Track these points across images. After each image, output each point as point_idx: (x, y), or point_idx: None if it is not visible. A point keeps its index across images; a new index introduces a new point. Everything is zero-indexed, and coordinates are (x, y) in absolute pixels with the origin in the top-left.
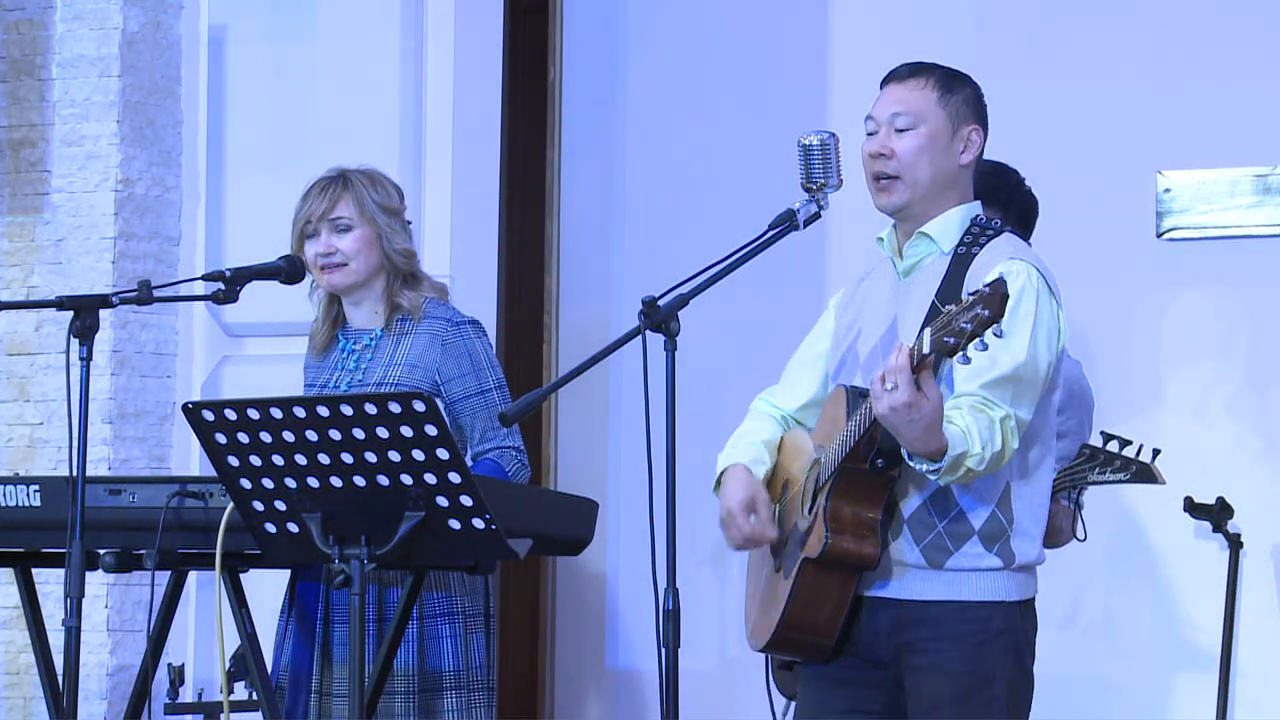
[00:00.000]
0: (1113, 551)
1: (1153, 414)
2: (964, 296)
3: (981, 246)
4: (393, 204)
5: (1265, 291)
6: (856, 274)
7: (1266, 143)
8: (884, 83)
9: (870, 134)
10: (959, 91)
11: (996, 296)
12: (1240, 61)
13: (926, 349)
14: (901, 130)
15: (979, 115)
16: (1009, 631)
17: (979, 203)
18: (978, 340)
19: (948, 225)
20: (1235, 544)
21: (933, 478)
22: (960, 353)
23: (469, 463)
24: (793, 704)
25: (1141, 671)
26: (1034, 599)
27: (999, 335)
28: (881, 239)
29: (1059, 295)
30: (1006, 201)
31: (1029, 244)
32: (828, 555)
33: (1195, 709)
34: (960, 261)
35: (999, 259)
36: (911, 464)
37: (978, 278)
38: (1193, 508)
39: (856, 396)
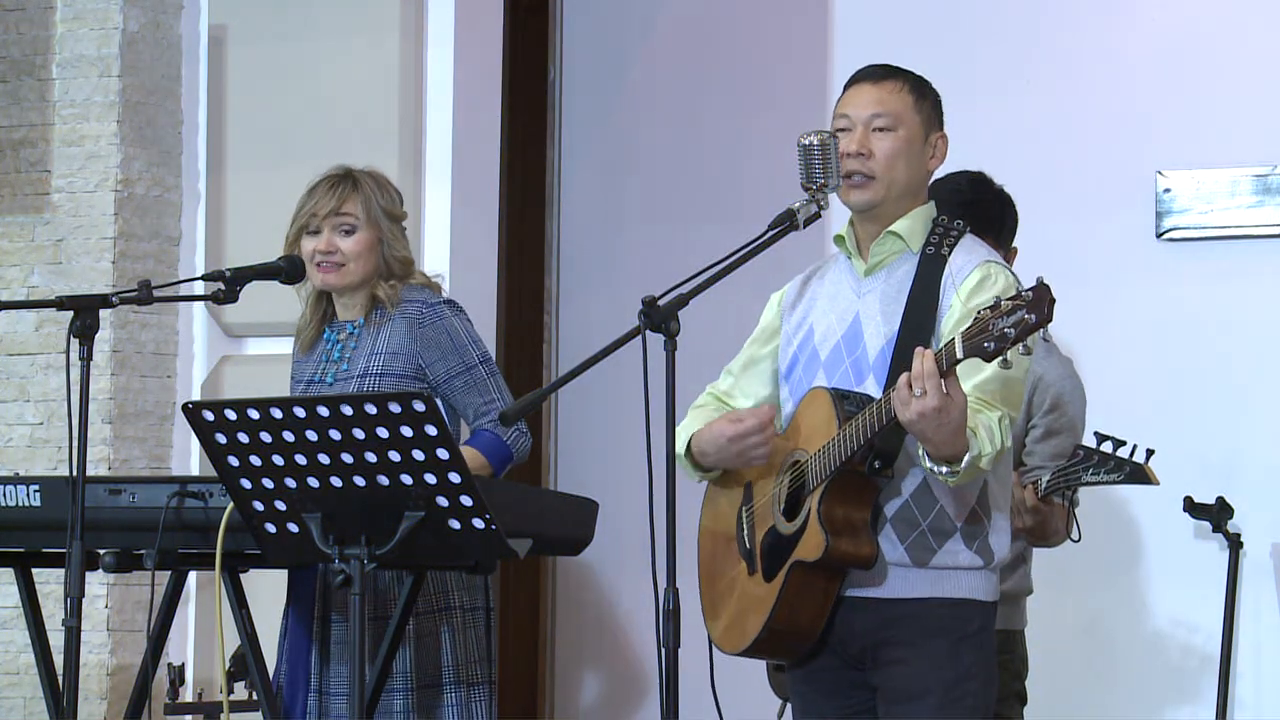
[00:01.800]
0: (1114, 552)
1: (1152, 414)
2: (1000, 301)
3: (951, 247)
4: (396, 209)
5: (1265, 291)
6: (801, 273)
7: (1266, 143)
8: (853, 81)
9: (843, 130)
10: (929, 97)
11: (1042, 301)
12: (1240, 61)
13: (960, 354)
14: (881, 130)
15: (942, 122)
16: (985, 631)
17: (934, 203)
18: (1020, 345)
19: (915, 225)
20: (1235, 544)
21: (950, 481)
22: (1001, 357)
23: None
24: (787, 706)
25: (1141, 671)
26: (998, 603)
27: (1046, 340)
28: (841, 236)
29: None
30: (1002, 214)
31: (1016, 246)
32: (829, 558)
33: (1195, 709)
34: (931, 261)
35: (974, 260)
36: (930, 466)
37: (955, 277)
38: (1193, 508)
39: (841, 399)
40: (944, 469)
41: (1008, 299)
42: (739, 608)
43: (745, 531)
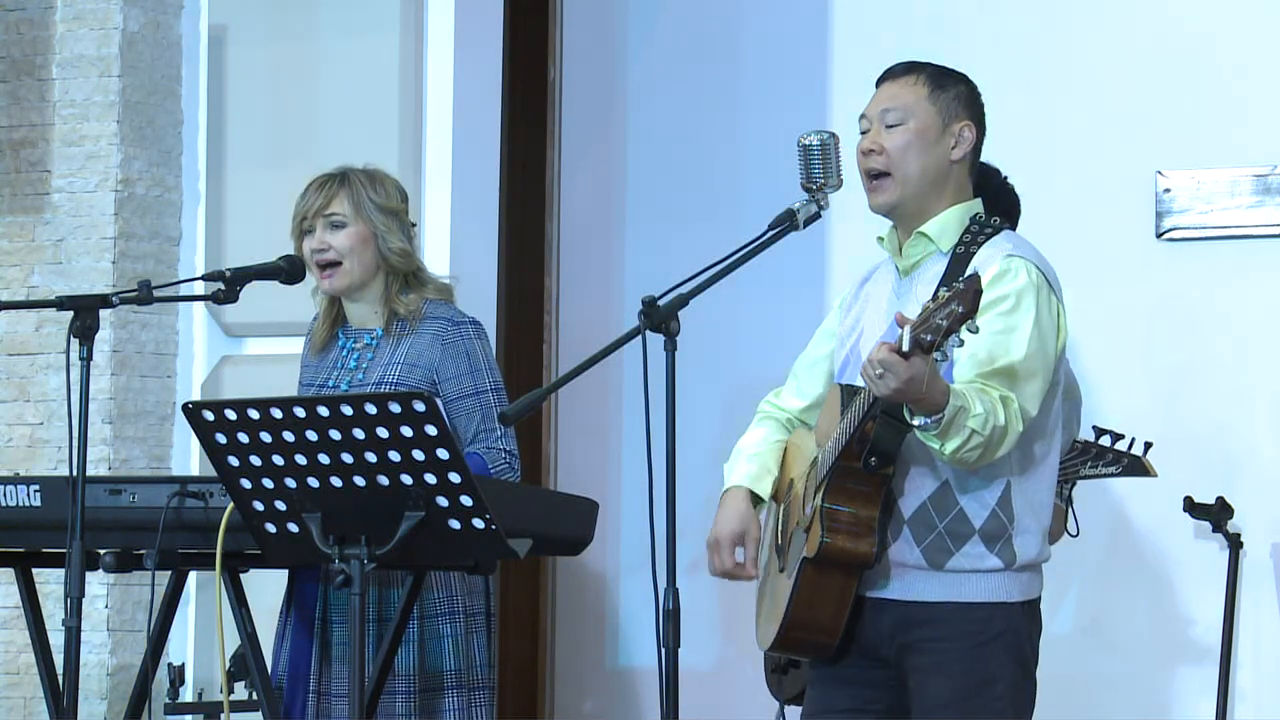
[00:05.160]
0: (1113, 551)
1: (1152, 413)
2: (940, 292)
3: (979, 245)
4: (392, 204)
5: (1265, 291)
6: (860, 274)
7: (1266, 143)
8: (879, 82)
9: (863, 132)
10: (951, 88)
11: (970, 292)
12: (1240, 61)
13: (906, 346)
14: (891, 126)
15: (972, 112)
16: (1010, 632)
17: (979, 201)
18: (954, 336)
19: (946, 224)
20: (1235, 544)
21: (936, 444)
22: (938, 349)
23: None
24: (786, 708)
25: (1142, 671)
26: (1038, 599)
27: (974, 331)
28: (882, 238)
29: (1059, 292)
30: (990, 202)
31: None
32: (824, 555)
33: (1195, 709)
34: (959, 260)
35: (997, 256)
36: (914, 423)
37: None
38: (1193, 508)
39: (850, 395)
40: (928, 420)
41: (946, 289)
42: (770, 604)
43: (779, 527)
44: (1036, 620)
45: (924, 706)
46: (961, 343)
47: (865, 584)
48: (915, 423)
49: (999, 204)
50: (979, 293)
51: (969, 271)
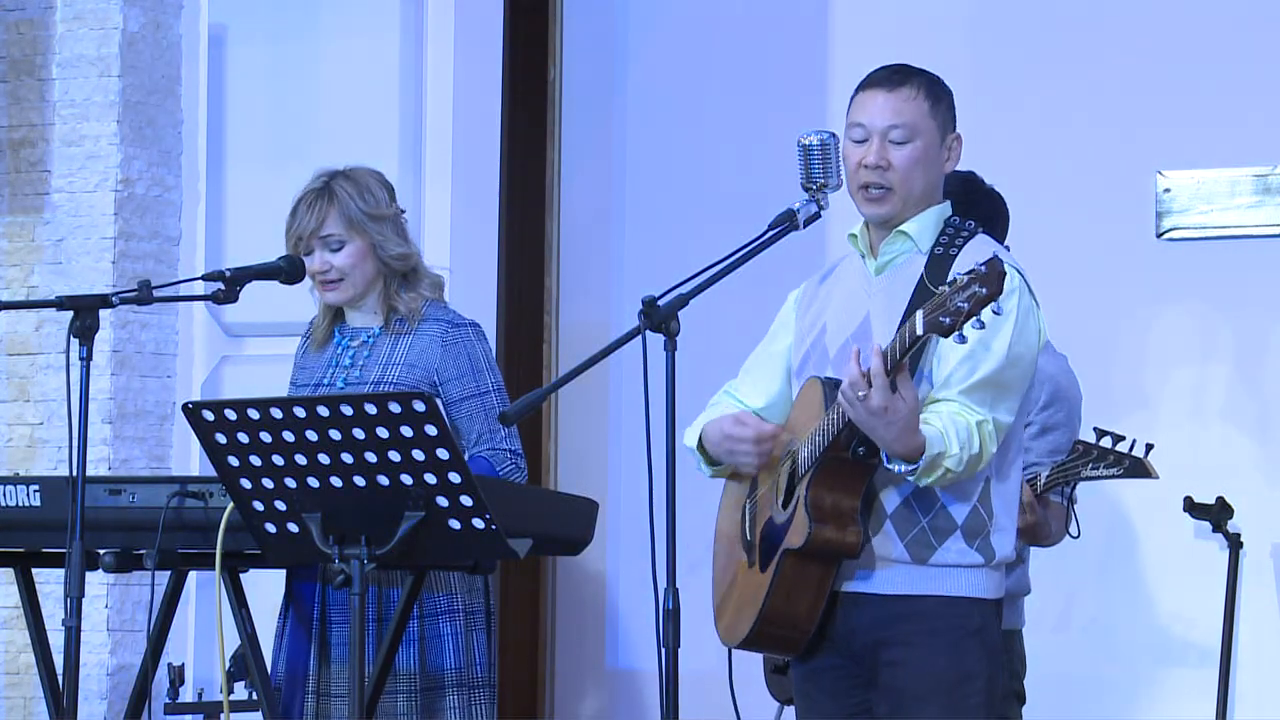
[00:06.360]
0: (1113, 551)
1: (1152, 414)
2: (957, 276)
3: (960, 247)
4: (381, 209)
5: (1265, 291)
6: (818, 272)
7: (1266, 143)
8: (867, 86)
9: (859, 141)
10: (943, 99)
11: (994, 275)
12: (1240, 61)
13: (920, 330)
14: (898, 143)
15: (955, 121)
16: (986, 629)
17: (949, 203)
18: (974, 319)
19: (924, 225)
20: (1235, 544)
21: (910, 479)
22: (957, 332)
23: None
24: (785, 708)
25: (1142, 671)
26: (1002, 600)
27: (998, 313)
28: (854, 235)
29: (1036, 297)
30: (993, 213)
31: (1009, 245)
32: (811, 545)
33: (1195, 708)
34: (938, 261)
35: (982, 257)
36: (889, 466)
37: None
38: (1193, 508)
39: (834, 388)
40: (902, 467)
41: (964, 274)
42: (739, 600)
43: (747, 524)
44: (1000, 621)
45: (902, 702)
46: (983, 325)
47: (843, 578)
48: (889, 466)
49: (986, 210)
50: (1003, 275)
51: (952, 272)
